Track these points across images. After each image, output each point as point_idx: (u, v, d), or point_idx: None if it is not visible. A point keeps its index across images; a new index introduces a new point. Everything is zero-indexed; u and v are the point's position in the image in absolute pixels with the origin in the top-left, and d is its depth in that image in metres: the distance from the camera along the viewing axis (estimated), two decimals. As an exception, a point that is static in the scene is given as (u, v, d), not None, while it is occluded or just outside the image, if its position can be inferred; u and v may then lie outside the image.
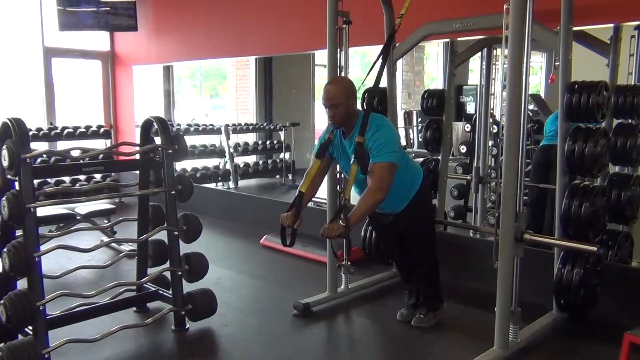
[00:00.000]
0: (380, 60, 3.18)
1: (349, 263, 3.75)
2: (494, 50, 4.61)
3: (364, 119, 2.87)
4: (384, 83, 4.10)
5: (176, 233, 3.17)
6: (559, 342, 3.14)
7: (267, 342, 3.16)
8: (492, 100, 4.77)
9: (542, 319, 3.23)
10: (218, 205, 6.31)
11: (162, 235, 3.25)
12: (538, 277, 3.36)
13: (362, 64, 7.82)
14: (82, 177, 6.39)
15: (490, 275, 2.88)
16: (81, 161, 3.17)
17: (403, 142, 7.34)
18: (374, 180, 2.78)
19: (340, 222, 2.73)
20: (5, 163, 2.68)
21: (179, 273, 3.18)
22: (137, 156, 3.30)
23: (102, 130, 7.31)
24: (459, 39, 4.33)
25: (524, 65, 2.73)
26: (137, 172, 3.38)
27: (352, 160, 2.85)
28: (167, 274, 3.26)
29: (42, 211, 3.76)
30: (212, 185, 7.06)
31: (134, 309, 3.47)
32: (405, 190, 3.04)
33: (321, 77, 7.22)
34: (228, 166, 7.24)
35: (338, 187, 3.58)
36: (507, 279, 2.74)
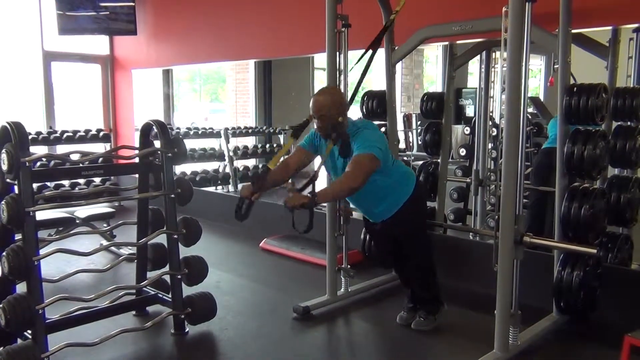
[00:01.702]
0: (370, 54, 3.14)
1: (349, 266, 3.75)
2: (493, 53, 4.61)
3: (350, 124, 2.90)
4: (383, 86, 4.12)
5: (176, 236, 3.17)
6: (559, 345, 3.14)
7: (267, 345, 3.15)
8: (492, 103, 4.77)
9: (542, 321, 3.23)
10: (218, 208, 6.30)
11: (161, 239, 3.25)
12: (538, 280, 3.36)
13: (361, 67, 7.82)
14: (81, 180, 6.39)
15: (490, 278, 2.88)
16: (80, 165, 3.16)
17: (402, 145, 7.34)
18: (352, 167, 2.77)
19: (308, 194, 2.65)
20: (4, 167, 2.67)
21: (179, 276, 3.17)
22: (137, 160, 3.30)
23: (101, 134, 7.31)
24: (458, 41, 4.33)
25: (523, 68, 2.73)
26: (137, 175, 3.38)
27: (329, 141, 2.86)
28: (167, 278, 3.26)
29: (42, 215, 3.75)
30: (211, 189, 7.05)
31: (134, 312, 3.46)
32: (394, 197, 3.04)
33: (321, 81, 7.23)
34: (228, 169, 7.24)
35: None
36: (507, 282, 2.74)
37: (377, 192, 2.98)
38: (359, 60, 3.24)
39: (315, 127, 2.99)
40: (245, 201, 2.81)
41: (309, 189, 2.72)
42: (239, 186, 7.21)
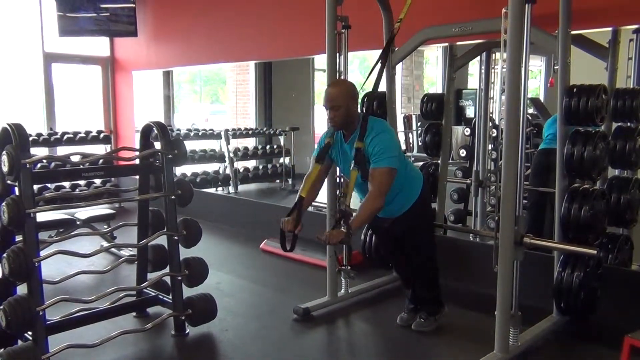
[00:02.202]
0: (379, 64, 3.19)
1: (349, 267, 3.75)
2: (493, 54, 4.61)
3: (363, 122, 2.88)
4: (383, 87, 4.12)
5: (176, 238, 3.17)
6: (559, 346, 3.14)
7: (267, 346, 3.15)
8: (492, 104, 4.77)
9: (543, 322, 3.23)
10: (218, 210, 6.30)
11: (162, 240, 3.25)
12: (538, 281, 3.36)
13: (361, 69, 7.83)
14: (82, 182, 6.41)
15: (490, 279, 2.88)
16: (81, 166, 3.17)
17: (403, 146, 7.34)
18: (373, 186, 2.79)
19: (342, 228, 2.73)
20: (5, 168, 2.68)
21: (179, 278, 3.18)
22: (137, 161, 3.31)
23: (102, 135, 7.32)
24: (458, 43, 4.33)
25: (523, 69, 2.73)
26: (137, 177, 3.38)
27: (352, 166, 2.86)
28: (167, 279, 3.26)
29: (42, 216, 3.76)
30: (212, 190, 7.06)
31: (134, 314, 3.46)
32: (405, 195, 3.04)
33: (321, 82, 7.23)
34: (228, 171, 7.25)
35: (337, 191, 3.59)
36: (507, 283, 2.74)
37: (392, 190, 2.97)
38: (369, 74, 3.27)
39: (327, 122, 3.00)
40: (289, 235, 2.90)
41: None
42: (239, 187, 7.23)
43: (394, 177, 2.82)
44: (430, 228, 3.34)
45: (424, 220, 3.24)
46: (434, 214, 4.47)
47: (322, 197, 3.44)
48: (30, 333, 2.73)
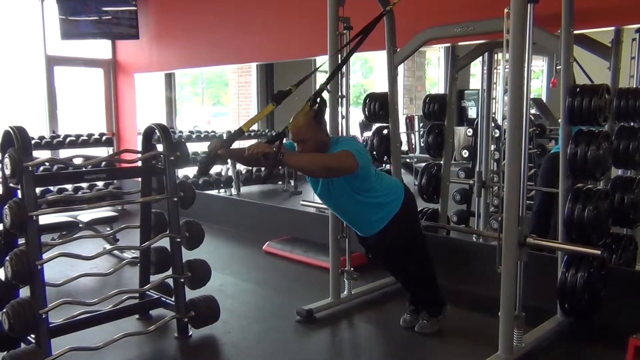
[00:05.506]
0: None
1: (352, 269, 3.75)
2: (495, 55, 4.60)
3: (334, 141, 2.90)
4: (385, 88, 4.11)
5: (178, 240, 3.17)
6: (563, 347, 3.13)
7: (270, 348, 3.15)
8: (494, 104, 4.76)
9: (547, 323, 3.22)
10: (220, 211, 6.30)
11: (164, 243, 3.25)
12: (542, 282, 3.35)
13: (363, 70, 7.84)
14: (84, 184, 6.42)
15: (493, 280, 2.86)
16: (83, 169, 3.17)
17: (405, 147, 7.34)
18: (330, 154, 2.80)
19: (274, 148, 2.57)
20: (7, 171, 2.68)
21: (182, 280, 3.17)
22: (139, 163, 3.31)
23: (104, 138, 7.33)
24: (460, 43, 4.33)
25: (525, 69, 2.73)
26: (139, 179, 3.38)
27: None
28: (170, 281, 3.26)
29: (45, 219, 3.75)
30: (214, 192, 7.06)
31: (137, 316, 3.46)
32: (382, 210, 3.00)
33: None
34: (230, 173, 7.25)
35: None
36: (510, 284, 2.73)
37: (366, 209, 2.98)
38: (347, 44, 3.21)
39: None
40: (212, 153, 2.75)
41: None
42: (241, 189, 7.23)
43: (351, 159, 2.70)
44: (418, 237, 3.23)
45: (408, 231, 3.14)
46: (436, 214, 4.47)
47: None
48: (33, 336, 2.73)
